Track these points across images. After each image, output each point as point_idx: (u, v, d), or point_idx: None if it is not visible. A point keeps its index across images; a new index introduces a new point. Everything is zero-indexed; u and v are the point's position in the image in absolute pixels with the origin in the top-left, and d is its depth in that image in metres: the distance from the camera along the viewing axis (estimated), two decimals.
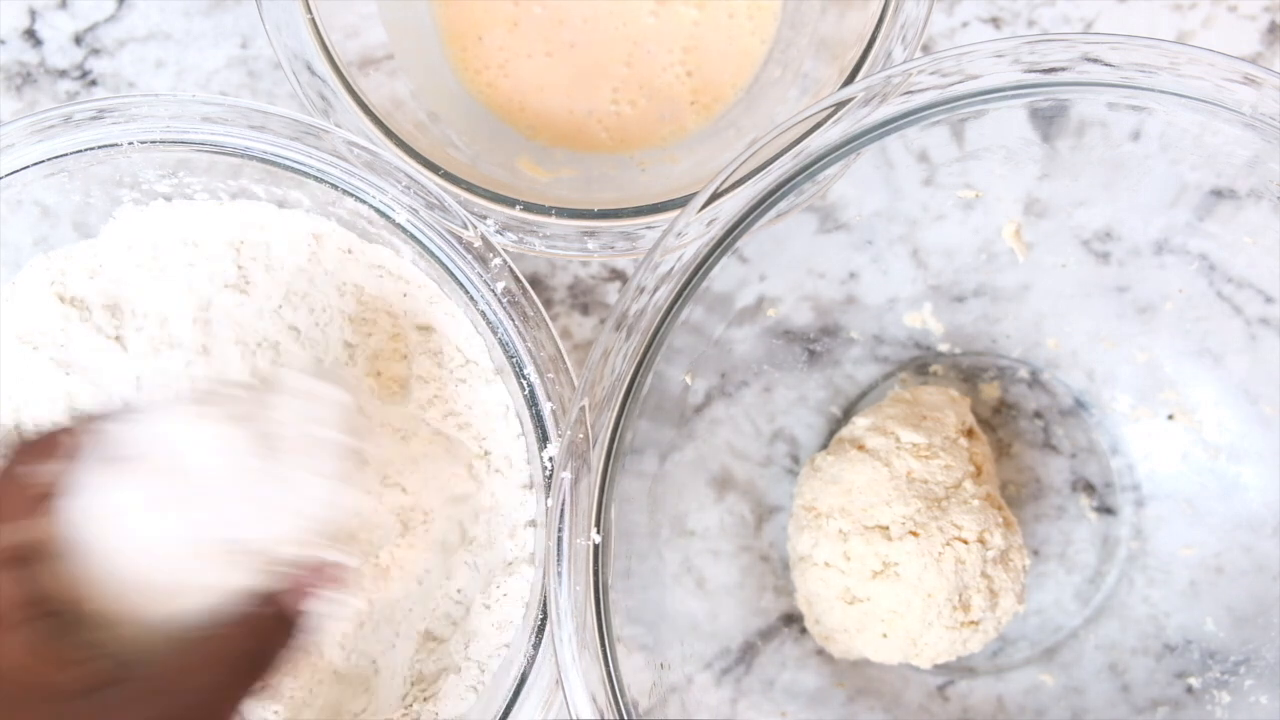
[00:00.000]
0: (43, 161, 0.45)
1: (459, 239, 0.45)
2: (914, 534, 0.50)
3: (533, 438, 0.45)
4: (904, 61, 0.46)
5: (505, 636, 0.47)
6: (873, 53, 0.47)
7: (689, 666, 0.53)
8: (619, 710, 0.42)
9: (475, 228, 0.45)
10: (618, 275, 0.57)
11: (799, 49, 0.53)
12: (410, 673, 0.47)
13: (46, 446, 0.37)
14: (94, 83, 0.56)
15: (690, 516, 0.54)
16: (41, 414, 0.48)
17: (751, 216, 0.43)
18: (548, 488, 0.44)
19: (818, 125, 0.42)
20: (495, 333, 0.45)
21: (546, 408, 0.45)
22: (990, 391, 0.57)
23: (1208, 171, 0.47)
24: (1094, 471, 0.57)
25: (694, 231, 0.43)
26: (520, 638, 0.46)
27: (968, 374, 0.57)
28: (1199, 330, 0.54)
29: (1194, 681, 0.54)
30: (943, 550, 0.50)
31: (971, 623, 0.51)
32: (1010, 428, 0.57)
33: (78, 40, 0.56)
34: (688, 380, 0.51)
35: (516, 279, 0.45)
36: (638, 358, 0.43)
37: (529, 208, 0.47)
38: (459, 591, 0.48)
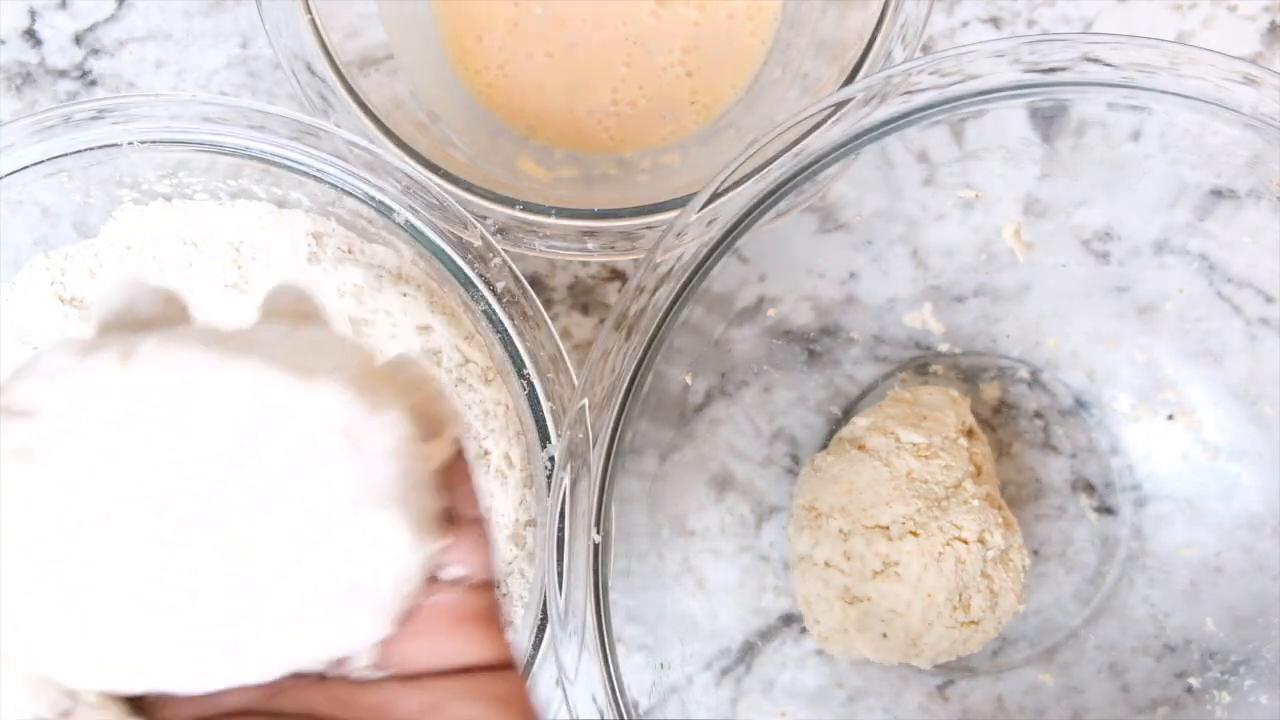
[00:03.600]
0: (43, 161, 0.45)
1: (459, 239, 0.45)
2: (914, 534, 0.50)
3: (533, 438, 0.45)
4: (904, 61, 0.46)
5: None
6: (873, 53, 0.47)
7: (689, 666, 0.53)
8: (619, 710, 0.42)
9: (475, 228, 0.45)
10: (618, 275, 0.57)
11: (799, 49, 0.53)
12: None
13: None
14: (94, 83, 0.56)
15: (690, 516, 0.54)
16: None
17: (751, 216, 0.43)
18: (548, 488, 0.44)
19: (818, 125, 0.42)
20: (495, 333, 0.45)
21: (546, 408, 0.45)
22: (990, 391, 0.57)
23: (1208, 171, 0.47)
24: (1094, 471, 0.57)
25: (694, 231, 0.43)
26: (520, 638, 0.46)
27: (968, 374, 0.57)
28: (1199, 330, 0.54)
29: (1194, 681, 0.54)
30: (943, 550, 0.50)
31: (971, 623, 0.51)
32: (1010, 428, 0.57)
33: (78, 40, 0.56)
34: (688, 380, 0.51)
35: (516, 279, 0.45)
36: (638, 358, 0.43)
37: (529, 208, 0.47)
38: None
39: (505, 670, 0.32)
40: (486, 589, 0.32)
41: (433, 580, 0.32)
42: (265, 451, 0.28)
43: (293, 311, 0.33)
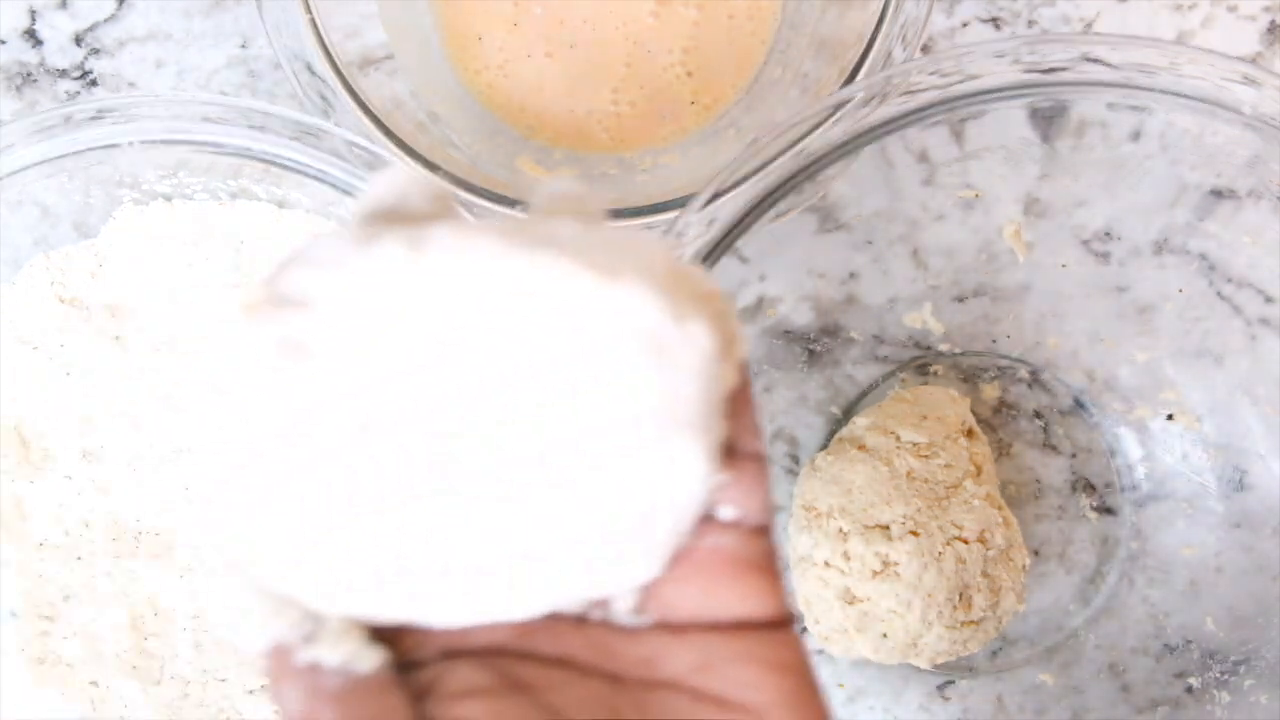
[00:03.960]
0: (43, 161, 0.45)
1: None
2: (914, 533, 0.50)
3: None
4: (904, 61, 0.46)
5: None
6: (873, 53, 0.46)
7: None
8: None
9: None
10: None
11: (799, 49, 0.53)
12: None
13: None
14: (94, 83, 0.56)
15: None
16: (40, 414, 0.48)
17: (751, 216, 0.43)
18: None
19: (818, 125, 0.42)
20: None
21: None
22: (990, 391, 0.57)
23: (1208, 171, 0.47)
24: (1094, 471, 0.57)
25: (694, 231, 0.43)
26: None
27: (968, 374, 0.57)
28: (1199, 330, 0.54)
29: (1194, 681, 0.54)
30: (943, 549, 0.50)
31: (972, 622, 0.51)
32: (1010, 428, 0.57)
33: (78, 40, 0.56)
34: None
35: None
36: None
37: (529, 208, 0.47)
38: None
39: (783, 629, 0.29)
40: (763, 534, 0.29)
41: (708, 519, 0.28)
42: (563, 356, 0.25)
43: (573, 213, 0.29)
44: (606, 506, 0.26)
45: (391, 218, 0.28)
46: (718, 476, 0.28)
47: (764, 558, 0.29)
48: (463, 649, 0.28)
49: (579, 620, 0.29)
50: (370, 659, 0.27)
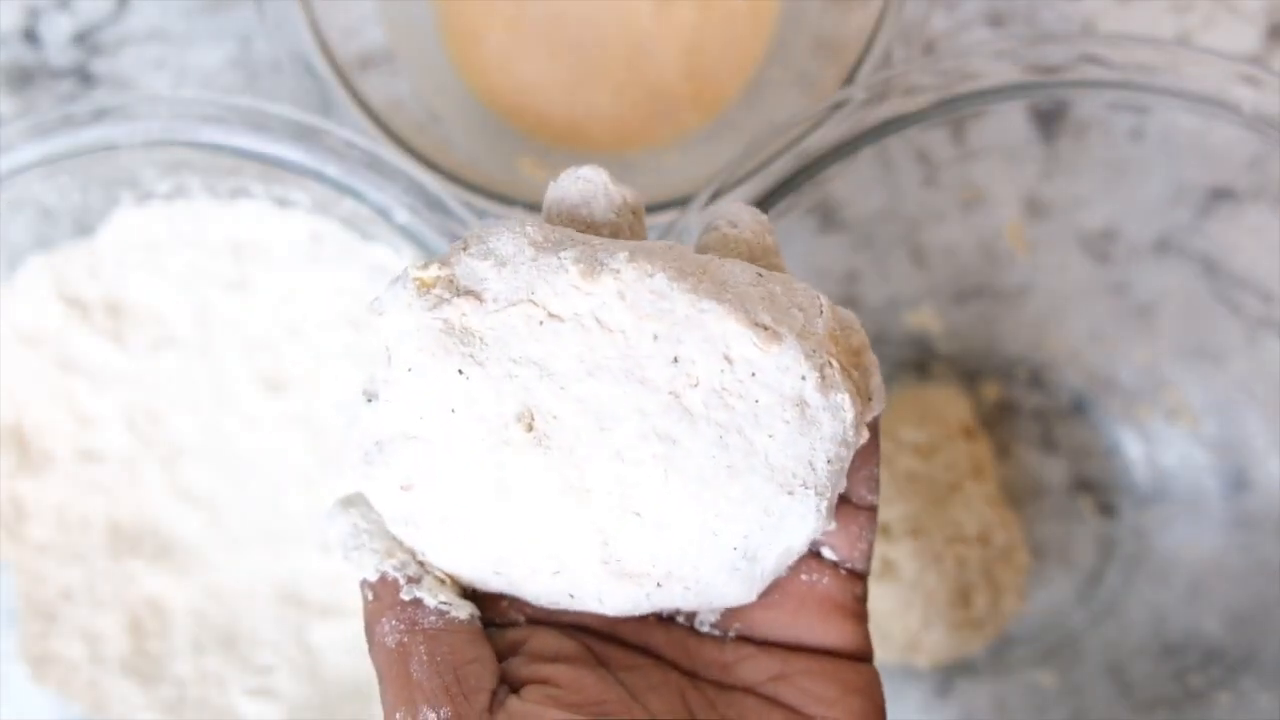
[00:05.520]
0: (43, 162, 0.45)
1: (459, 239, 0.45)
2: (914, 533, 0.50)
3: None
4: (904, 61, 0.46)
5: None
6: (873, 53, 0.46)
7: None
8: None
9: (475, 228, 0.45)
10: None
11: (799, 49, 0.53)
12: None
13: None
14: (94, 83, 0.56)
15: None
16: (41, 414, 0.48)
17: None
18: None
19: (818, 125, 0.42)
20: None
21: None
22: (990, 391, 0.57)
23: (1208, 171, 0.47)
24: (1094, 471, 0.57)
25: (694, 231, 0.43)
26: None
27: (968, 374, 0.57)
28: (1199, 330, 0.54)
29: (1194, 681, 0.54)
30: (943, 549, 0.50)
31: (972, 622, 0.51)
32: (1010, 428, 0.57)
33: (78, 40, 0.56)
34: None
35: None
36: None
37: (529, 208, 0.47)
38: None
39: (862, 663, 0.31)
40: (859, 580, 0.31)
41: (809, 556, 0.30)
42: (712, 405, 0.27)
43: (750, 246, 0.30)
44: (718, 543, 0.28)
45: (574, 218, 0.30)
46: (828, 525, 0.29)
47: (855, 602, 0.30)
48: (551, 620, 0.30)
49: (663, 619, 0.31)
50: (466, 609, 0.29)
